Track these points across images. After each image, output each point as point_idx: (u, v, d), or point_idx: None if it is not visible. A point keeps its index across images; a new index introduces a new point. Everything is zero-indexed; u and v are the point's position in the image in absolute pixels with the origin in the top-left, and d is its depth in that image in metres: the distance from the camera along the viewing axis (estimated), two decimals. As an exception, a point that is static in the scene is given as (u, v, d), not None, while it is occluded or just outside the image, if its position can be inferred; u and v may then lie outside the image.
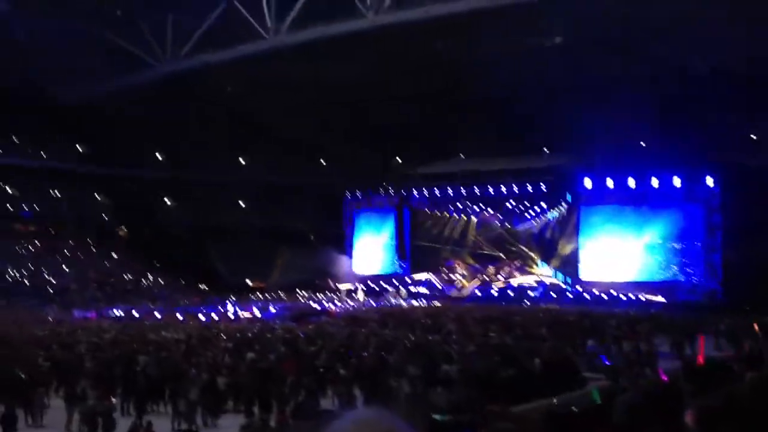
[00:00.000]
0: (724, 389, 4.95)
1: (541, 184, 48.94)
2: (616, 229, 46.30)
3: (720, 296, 42.34)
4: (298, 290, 53.78)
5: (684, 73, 47.72)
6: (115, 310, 40.30)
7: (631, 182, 45.73)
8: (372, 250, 57.80)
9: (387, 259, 56.76)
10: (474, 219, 53.58)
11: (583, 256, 47.32)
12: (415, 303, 48.08)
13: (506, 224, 52.07)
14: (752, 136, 48.92)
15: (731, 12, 41.09)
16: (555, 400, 11.27)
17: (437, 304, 47.54)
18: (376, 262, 57.50)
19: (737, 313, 31.86)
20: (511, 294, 48.75)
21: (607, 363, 21.62)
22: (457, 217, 53.89)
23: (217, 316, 38.32)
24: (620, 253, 45.94)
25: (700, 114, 45.34)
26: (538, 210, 50.39)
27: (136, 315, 38.33)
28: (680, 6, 42.54)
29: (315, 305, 45.48)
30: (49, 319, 34.09)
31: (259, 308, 42.30)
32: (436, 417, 7.47)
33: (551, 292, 47.18)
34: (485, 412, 5.81)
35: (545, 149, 55.38)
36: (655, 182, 44.99)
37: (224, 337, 25.22)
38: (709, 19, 43.33)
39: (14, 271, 47.80)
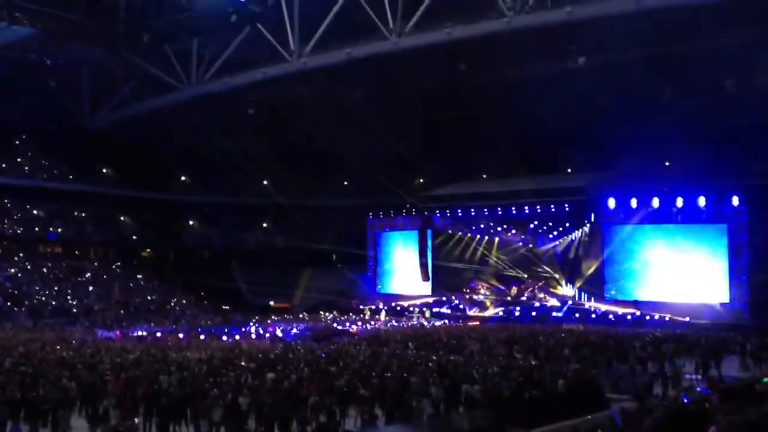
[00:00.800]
0: (750, 408, 4.90)
1: (565, 204, 48.69)
2: (640, 249, 45.90)
3: (747, 316, 41.77)
4: (320, 311, 53.81)
5: (709, 93, 47.56)
6: (138, 331, 40.50)
7: (656, 202, 45.34)
8: (395, 271, 57.72)
9: (410, 280, 56.62)
10: (497, 240, 53.38)
11: (607, 276, 46.92)
12: (437, 323, 47.90)
13: (529, 245, 51.85)
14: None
15: (762, 35, 41.01)
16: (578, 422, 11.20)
17: (460, 324, 47.34)
18: (399, 283, 57.39)
19: (764, 333, 31.42)
20: (535, 314, 48.45)
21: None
22: (480, 238, 53.70)
23: (240, 336, 38.40)
24: (645, 273, 45.52)
25: (725, 133, 45.01)
26: (561, 230, 50.11)
27: (160, 335, 38.49)
28: (707, 28, 42.56)
29: (337, 326, 45.42)
30: (74, 339, 34.30)
31: (281, 329, 42.31)
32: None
33: (575, 313, 46.79)
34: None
35: (568, 170, 55.25)
36: (680, 202, 44.59)
37: (247, 358, 25.23)
38: (737, 42, 43.31)
39: (40, 291, 48.29)
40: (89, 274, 53.80)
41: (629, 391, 20.90)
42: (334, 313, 52.90)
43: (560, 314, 47.55)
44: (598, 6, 37.87)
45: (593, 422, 10.34)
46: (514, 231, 52.69)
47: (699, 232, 44.14)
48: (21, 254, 52.82)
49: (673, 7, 37.34)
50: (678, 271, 44.45)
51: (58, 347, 29.61)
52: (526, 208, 50.36)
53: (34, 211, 55.18)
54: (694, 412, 5.81)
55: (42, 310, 45.95)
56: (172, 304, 53.63)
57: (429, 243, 55.11)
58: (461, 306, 53.18)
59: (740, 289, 42.64)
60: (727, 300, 42.82)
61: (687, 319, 42.29)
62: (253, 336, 39.04)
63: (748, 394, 5.66)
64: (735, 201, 43.84)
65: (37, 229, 54.78)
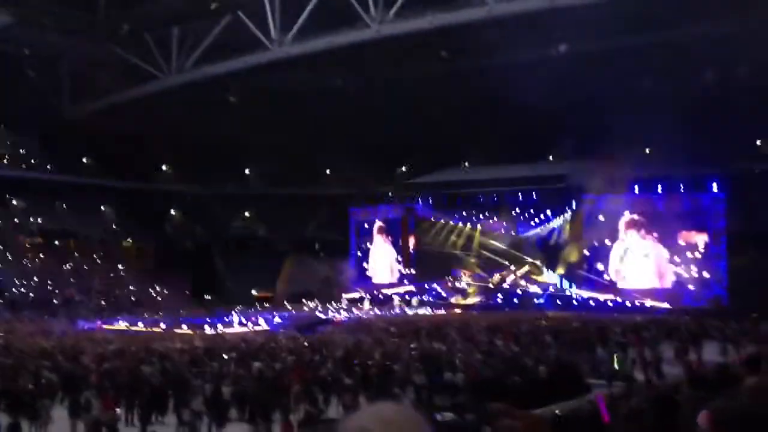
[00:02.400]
0: (738, 392, 4.97)
1: (546, 191, 48.90)
2: (620, 235, 46.21)
3: (725, 302, 42.23)
4: (303, 300, 53.79)
5: (689, 82, 47.86)
6: (120, 321, 40.32)
7: (636, 189, 45.67)
8: (377, 259, 57.76)
9: (392, 268, 56.69)
10: (479, 227, 53.54)
11: (588, 262, 47.23)
12: (420, 311, 48.03)
13: (511, 232, 52.01)
14: (757, 142, 48.89)
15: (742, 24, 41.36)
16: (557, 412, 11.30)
17: (443, 312, 47.49)
18: (382, 271, 57.45)
19: (743, 318, 31.79)
20: (517, 301, 48.70)
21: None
22: (462, 226, 53.84)
23: (223, 326, 38.33)
24: (625, 260, 45.86)
25: (704, 121, 45.31)
26: (543, 218, 50.34)
27: (142, 326, 38.35)
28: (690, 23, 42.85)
29: (320, 315, 45.44)
30: (55, 330, 34.11)
31: (264, 318, 42.27)
32: (438, 416, 7.49)
33: (557, 299, 47.09)
34: (489, 410, 5.82)
35: (550, 157, 55.46)
36: (659, 189, 44.93)
37: (229, 347, 25.21)
38: (718, 30, 43.63)
39: (20, 283, 47.91)
40: (70, 264, 53.42)
41: (610, 377, 21.14)
42: (317, 302, 52.87)
43: (542, 301, 47.83)
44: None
45: (575, 406, 10.44)
46: (495, 219, 52.82)
47: (678, 219, 44.43)
48: (0, 246, 52.35)
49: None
50: (658, 258, 44.82)
51: (39, 338, 29.46)
52: (508, 195, 50.56)
53: (14, 202, 54.66)
54: (671, 397, 5.87)
55: (22, 302, 45.62)
56: (154, 294, 53.39)
57: (411, 231, 55.17)
58: (443, 294, 53.32)
59: (719, 275, 43.06)
60: (706, 285, 43.21)
61: (666, 304, 42.70)
62: (236, 326, 38.97)
63: (721, 380, 5.71)
64: (714, 188, 44.24)
65: (16, 220, 54.27)
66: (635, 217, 45.54)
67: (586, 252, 47.53)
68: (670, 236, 44.49)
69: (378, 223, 57.10)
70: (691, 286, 43.74)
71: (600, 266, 46.79)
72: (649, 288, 44.74)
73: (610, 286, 45.75)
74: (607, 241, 46.77)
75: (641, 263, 45.37)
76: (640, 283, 45.19)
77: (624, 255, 45.95)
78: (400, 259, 55.90)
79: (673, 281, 44.21)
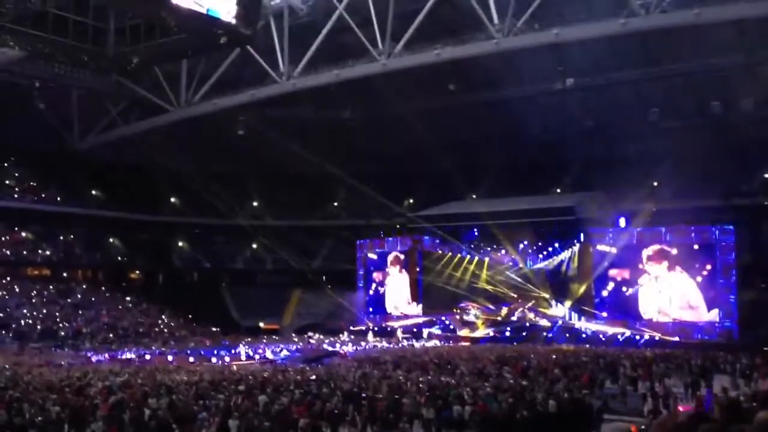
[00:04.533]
0: (750, 426, 4.92)
1: (554, 224, 48.80)
2: (629, 268, 46.01)
3: (735, 335, 41.89)
4: (310, 332, 53.62)
5: (696, 114, 48.03)
6: (127, 353, 40.20)
7: (644, 222, 45.58)
8: (384, 292, 57.59)
9: (399, 301, 56.49)
10: (486, 260, 53.42)
11: (596, 296, 46.98)
12: (428, 344, 47.76)
13: (519, 264, 51.84)
14: (766, 175, 48.82)
15: (747, 58, 41.61)
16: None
17: (451, 345, 47.21)
18: (389, 304, 57.26)
19: (753, 352, 31.53)
20: (525, 334, 48.40)
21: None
22: (470, 258, 53.71)
23: (230, 358, 38.18)
24: (634, 293, 45.61)
25: (714, 155, 45.37)
26: (551, 250, 50.20)
27: (148, 358, 38.22)
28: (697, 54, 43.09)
29: (327, 347, 45.23)
30: (62, 362, 34.02)
31: (271, 350, 42.11)
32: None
33: (566, 333, 46.79)
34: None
35: (557, 190, 55.50)
36: (668, 222, 44.84)
37: (236, 380, 25.06)
38: (722, 64, 43.88)
39: (27, 314, 47.91)
40: (77, 296, 53.45)
41: (620, 411, 20.94)
42: (324, 334, 52.68)
43: (551, 334, 47.52)
44: (585, 28, 38.26)
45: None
46: (503, 251, 52.70)
47: (687, 252, 44.24)
48: (8, 277, 52.46)
49: (658, 28, 37.73)
50: (667, 291, 44.55)
51: (46, 370, 29.36)
52: (516, 228, 50.39)
53: (23, 233, 54.87)
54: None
55: (29, 333, 45.58)
56: (161, 326, 53.31)
57: (419, 264, 55.06)
58: (451, 326, 53.05)
59: (729, 309, 42.76)
60: (716, 319, 42.90)
61: (677, 338, 42.38)
62: (243, 358, 38.81)
63: (733, 414, 5.66)
64: (723, 220, 44.18)
65: (25, 252, 54.43)
66: (651, 250, 45.26)
67: (593, 284, 47.29)
68: (678, 269, 44.22)
69: (393, 254, 56.99)
70: (701, 320, 43.39)
71: (608, 299, 46.53)
72: (659, 321, 44.43)
73: (619, 320, 45.44)
74: (615, 275, 46.57)
75: (650, 296, 45.10)
76: (649, 316, 44.88)
77: (633, 288, 45.68)
78: (407, 291, 55.68)
79: (683, 315, 43.87)
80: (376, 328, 54.26)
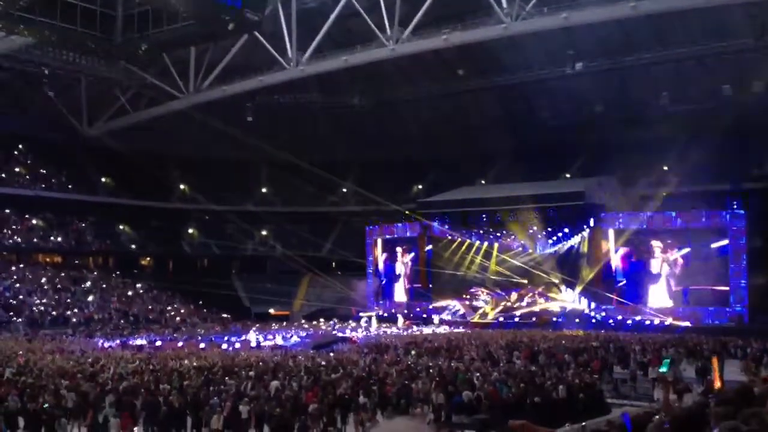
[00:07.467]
0: (749, 411, 4.90)
1: (564, 209, 48.62)
2: (639, 253, 45.86)
3: (746, 320, 41.74)
4: (320, 318, 53.73)
5: (707, 97, 47.69)
6: (138, 340, 40.38)
7: (654, 206, 45.40)
8: (394, 278, 57.61)
9: (409, 286, 56.51)
10: (496, 245, 53.29)
11: (606, 281, 46.84)
12: (438, 330, 47.77)
13: (529, 250, 51.69)
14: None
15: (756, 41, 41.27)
16: (584, 424, 11.19)
17: (460, 330, 47.20)
18: (399, 290, 57.29)
19: (764, 337, 31.40)
20: (535, 320, 48.35)
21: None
22: (480, 244, 53.60)
23: (240, 344, 38.30)
24: (645, 278, 45.47)
25: (725, 138, 45.05)
26: (561, 235, 50.03)
27: (159, 344, 38.39)
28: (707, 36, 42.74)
29: (337, 333, 45.30)
30: (73, 348, 34.22)
31: (281, 336, 42.22)
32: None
33: (575, 318, 46.69)
34: (509, 428, 5.79)
35: (567, 175, 55.30)
36: (678, 206, 44.63)
37: (247, 366, 25.16)
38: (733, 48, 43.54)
39: (39, 301, 48.20)
40: (88, 283, 53.70)
41: (630, 396, 20.94)
42: (334, 320, 52.77)
43: (561, 320, 47.44)
44: (595, 11, 37.99)
45: (594, 427, 10.32)
46: (513, 236, 52.54)
47: (698, 237, 44.03)
48: (20, 264, 52.76)
49: (669, 10, 37.44)
50: (678, 276, 44.40)
51: (58, 356, 29.55)
52: (526, 213, 50.18)
53: (33, 221, 55.11)
54: (697, 417, 5.79)
55: (41, 320, 45.87)
56: (172, 312, 53.54)
57: (428, 249, 54.99)
58: (461, 312, 53.02)
59: (740, 293, 42.58)
60: (727, 304, 42.76)
61: (688, 323, 42.25)
62: (253, 344, 38.94)
63: (745, 398, 5.63)
64: (734, 204, 43.92)
65: (35, 239, 54.70)
66: (662, 234, 45.09)
67: (603, 269, 47.14)
68: (689, 253, 44.02)
69: (403, 240, 56.95)
70: (711, 305, 43.26)
71: (618, 284, 46.42)
72: (669, 306, 44.29)
73: (629, 304, 45.34)
74: (625, 259, 46.45)
75: (661, 281, 44.96)
76: (660, 301, 44.75)
77: (643, 273, 45.55)
78: (416, 277, 55.68)
79: (693, 300, 43.72)
80: (385, 314, 54.29)
